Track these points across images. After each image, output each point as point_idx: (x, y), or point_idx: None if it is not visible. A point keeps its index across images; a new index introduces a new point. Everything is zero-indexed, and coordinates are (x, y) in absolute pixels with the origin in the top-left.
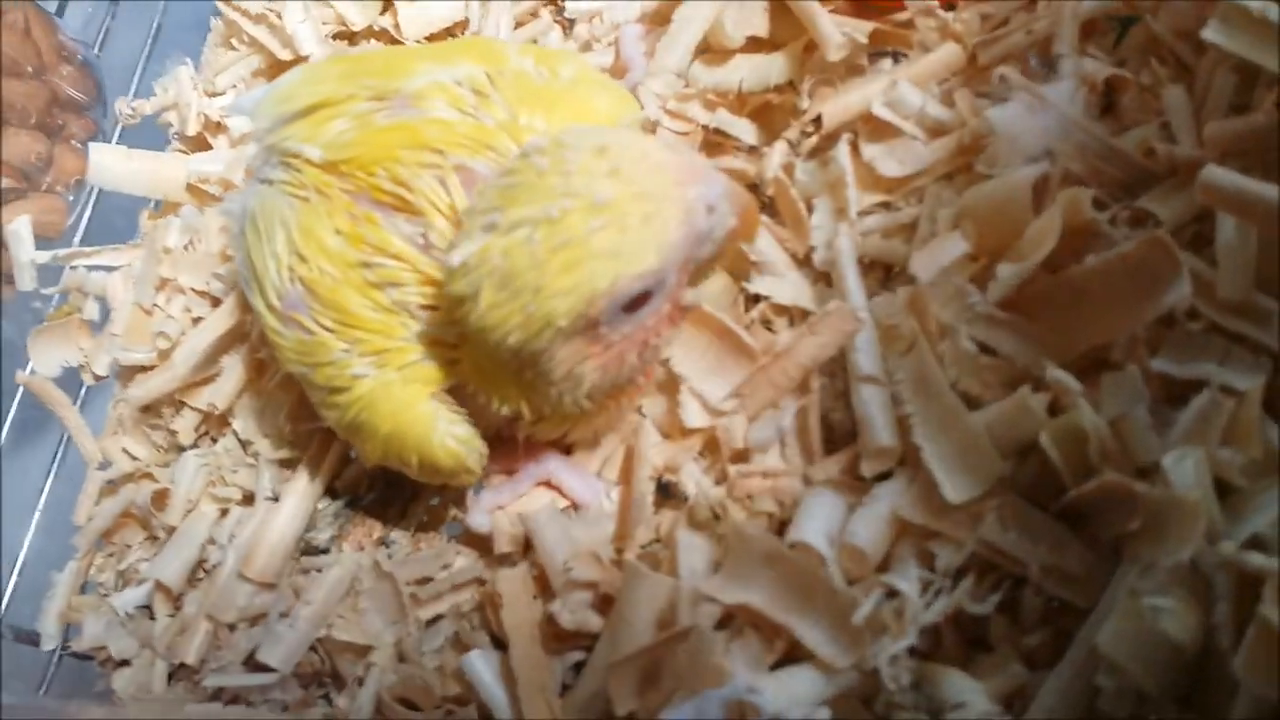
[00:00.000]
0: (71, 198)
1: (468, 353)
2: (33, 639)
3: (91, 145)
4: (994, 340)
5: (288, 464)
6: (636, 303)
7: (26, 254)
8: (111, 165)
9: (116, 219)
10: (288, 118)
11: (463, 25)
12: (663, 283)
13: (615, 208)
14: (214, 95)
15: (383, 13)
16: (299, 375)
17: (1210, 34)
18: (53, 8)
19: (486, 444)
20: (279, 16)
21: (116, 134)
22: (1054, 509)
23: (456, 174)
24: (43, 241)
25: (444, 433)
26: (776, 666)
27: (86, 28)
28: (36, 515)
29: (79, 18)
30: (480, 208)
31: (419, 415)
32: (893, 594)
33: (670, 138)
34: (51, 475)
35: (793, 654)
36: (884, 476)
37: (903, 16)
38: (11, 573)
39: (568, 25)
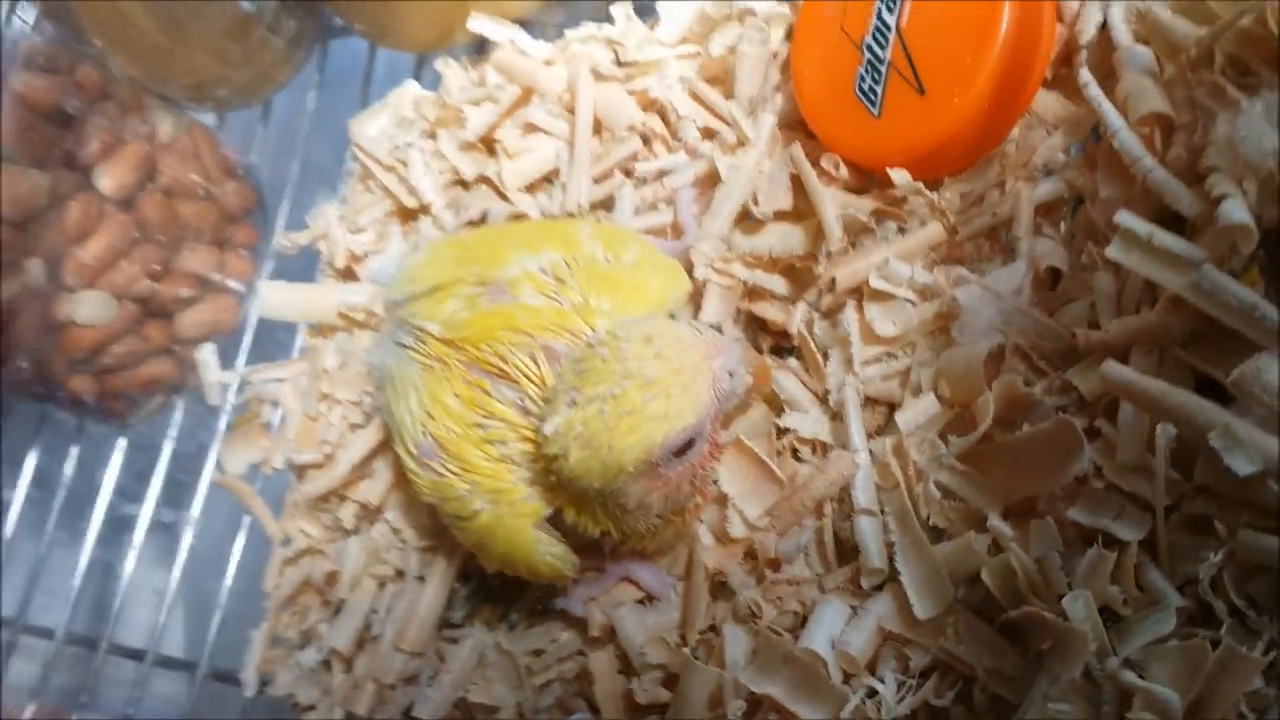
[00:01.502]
0: (243, 290)
1: (562, 492)
2: (236, 681)
3: (262, 283)
4: (955, 486)
5: (430, 550)
6: (684, 448)
7: (214, 375)
8: (277, 299)
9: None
10: (414, 296)
11: (554, 173)
12: (701, 431)
13: (661, 383)
14: (356, 232)
15: (491, 154)
16: (433, 504)
17: (1112, 252)
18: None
19: (580, 551)
20: (404, 165)
21: (273, 246)
22: (996, 625)
23: (543, 351)
24: (219, 336)
25: (545, 552)
26: None
27: (245, 135)
28: (230, 576)
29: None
30: (562, 388)
31: (526, 541)
32: (873, 692)
33: (717, 293)
34: (241, 545)
35: None
36: (878, 587)
37: (898, 193)
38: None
39: (639, 180)
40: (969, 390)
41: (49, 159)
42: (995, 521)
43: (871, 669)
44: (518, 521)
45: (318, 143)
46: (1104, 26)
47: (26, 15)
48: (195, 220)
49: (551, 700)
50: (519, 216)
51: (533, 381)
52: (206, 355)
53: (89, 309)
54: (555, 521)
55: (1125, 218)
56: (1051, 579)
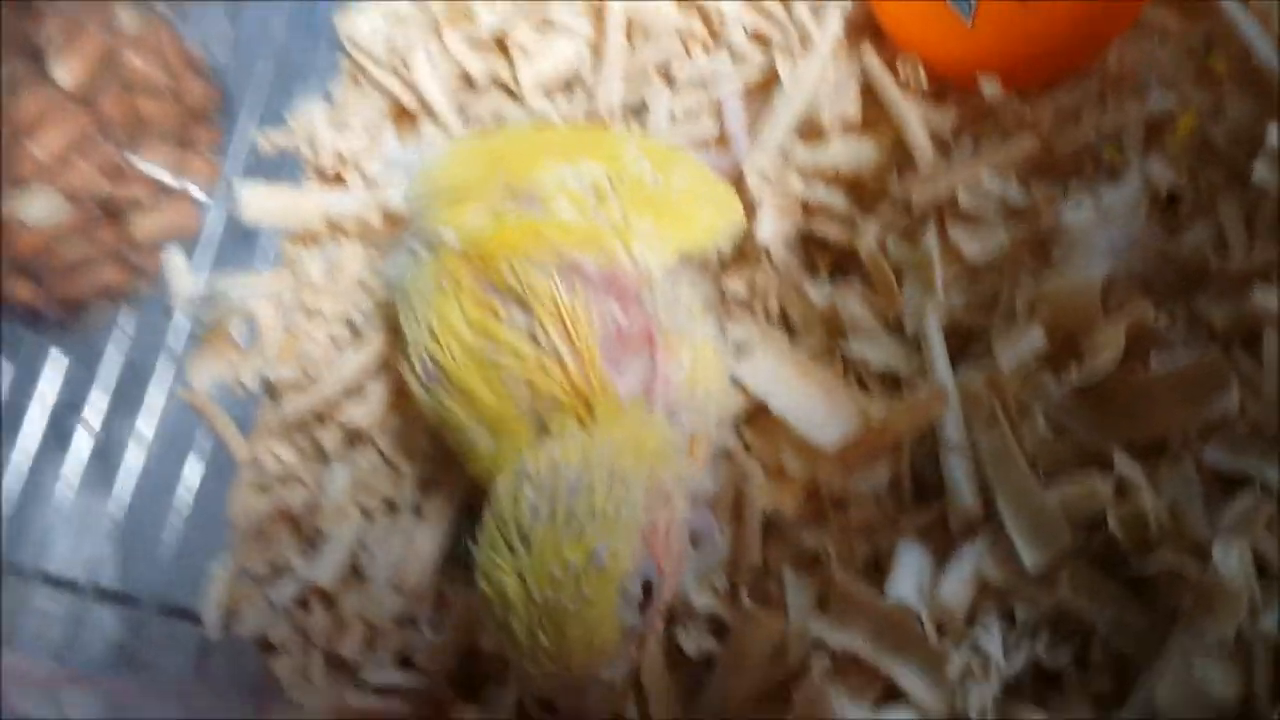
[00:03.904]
0: (204, 199)
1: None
2: (194, 619)
3: (236, 183)
4: (1067, 424)
5: (430, 481)
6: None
7: (184, 285)
8: (257, 202)
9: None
10: (434, 198)
11: (576, 78)
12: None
13: None
14: (345, 131)
15: (503, 54)
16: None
17: (1260, 171)
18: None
19: None
20: (405, 65)
21: (244, 150)
22: (1120, 576)
23: (568, 270)
24: (177, 243)
25: None
26: (878, 702)
27: (207, 29)
28: (181, 501)
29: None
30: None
31: None
32: (978, 648)
33: (772, 211)
34: (203, 470)
35: (890, 693)
36: (970, 530)
37: (989, 103)
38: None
39: (678, 87)
40: (1079, 321)
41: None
42: (1123, 460)
43: (970, 622)
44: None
45: (297, 40)
46: None
47: None
48: (156, 118)
49: None
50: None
51: (546, 308)
52: (174, 258)
53: (39, 208)
54: None
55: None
56: (1189, 526)
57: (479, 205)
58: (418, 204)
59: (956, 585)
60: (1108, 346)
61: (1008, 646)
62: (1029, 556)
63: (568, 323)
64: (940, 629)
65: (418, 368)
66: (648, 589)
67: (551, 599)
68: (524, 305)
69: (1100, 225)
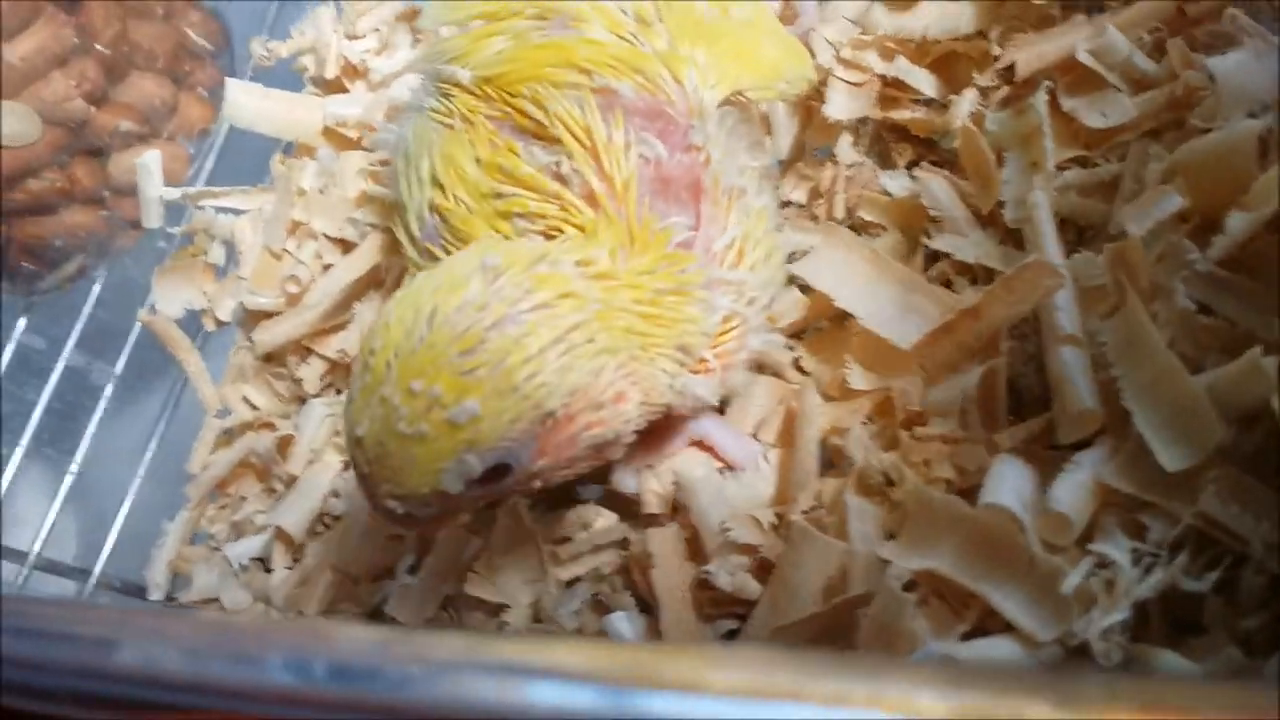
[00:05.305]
0: (193, 150)
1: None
2: (139, 590)
3: (229, 81)
4: (1214, 301)
5: None
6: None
7: (155, 190)
8: (247, 103)
9: (242, 165)
10: (452, 30)
11: None
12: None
13: None
14: (354, 39)
15: None
16: None
17: None
18: None
19: None
20: None
21: (246, 78)
22: None
23: (599, 95)
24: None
25: None
26: (966, 638)
27: None
28: (146, 460)
29: None
30: None
31: None
32: (1102, 565)
33: (844, 91)
34: (164, 421)
35: (983, 626)
36: (1082, 445)
37: None
38: (115, 519)
39: None
40: (1229, 184)
41: None
42: None
43: (1085, 542)
44: None
45: None
46: None
47: None
48: (149, 43)
49: (579, 603)
50: None
51: (576, 137)
52: (149, 162)
53: (8, 123)
54: None
55: None
56: None
57: (502, 34)
58: (430, 49)
59: (1072, 491)
60: (1269, 195)
61: (1139, 567)
62: (1168, 456)
63: (601, 152)
64: (1049, 548)
65: (413, 226)
66: (497, 472)
67: (394, 406)
68: (547, 140)
69: (1261, 65)
